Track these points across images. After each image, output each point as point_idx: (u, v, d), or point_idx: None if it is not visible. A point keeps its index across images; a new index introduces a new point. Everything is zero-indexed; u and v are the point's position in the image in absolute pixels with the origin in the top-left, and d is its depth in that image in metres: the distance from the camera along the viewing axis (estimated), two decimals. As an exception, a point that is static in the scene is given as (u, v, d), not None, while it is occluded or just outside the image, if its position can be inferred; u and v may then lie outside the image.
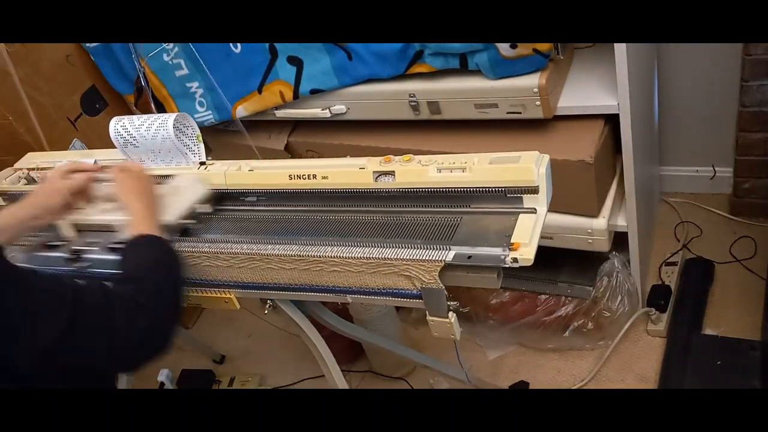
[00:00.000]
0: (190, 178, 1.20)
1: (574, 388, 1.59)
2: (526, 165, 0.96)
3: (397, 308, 1.69)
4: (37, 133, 1.62)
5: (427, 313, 0.98)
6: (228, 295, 1.09)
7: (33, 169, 1.42)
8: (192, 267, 1.09)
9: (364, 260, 0.98)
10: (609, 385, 1.57)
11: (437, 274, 0.93)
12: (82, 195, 1.16)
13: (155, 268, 0.95)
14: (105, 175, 1.16)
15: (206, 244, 1.09)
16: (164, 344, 0.91)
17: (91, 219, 1.17)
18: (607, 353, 1.61)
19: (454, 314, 0.96)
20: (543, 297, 1.61)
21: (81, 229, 1.20)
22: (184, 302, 1.04)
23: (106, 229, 1.15)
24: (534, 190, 0.96)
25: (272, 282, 1.05)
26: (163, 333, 0.92)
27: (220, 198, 1.21)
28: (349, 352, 1.78)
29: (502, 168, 0.98)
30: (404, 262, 0.95)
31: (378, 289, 0.99)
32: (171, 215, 1.11)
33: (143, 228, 1.01)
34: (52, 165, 1.37)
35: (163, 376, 1.64)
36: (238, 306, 1.11)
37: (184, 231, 1.16)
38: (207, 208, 1.19)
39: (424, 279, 0.94)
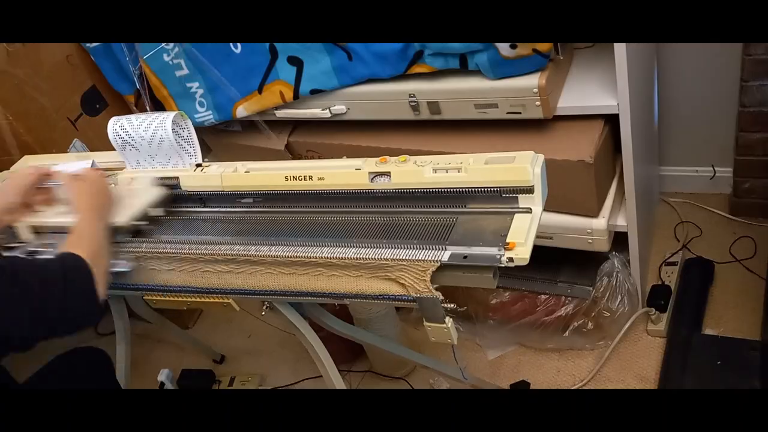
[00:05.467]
0: (147, 180, 1.24)
1: (574, 388, 1.59)
2: (522, 165, 0.96)
3: (397, 308, 1.69)
4: (37, 133, 1.62)
5: (423, 319, 0.97)
6: (227, 300, 1.09)
7: None
8: (191, 272, 1.09)
9: (361, 261, 0.98)
10: (609, 385, 1.57)
11: (430, 283, 0.92)
12: (42, 197, 1.19)
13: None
14: (60, 179, 1.18)
15: (204, 246, 1.09)
16: None
17: (45, 221, 1.20)
18: (607, 353, 1.60)
19: (451, 320, 0.96)
20: (543, 297, 1.61)
21: (39, 231, 1.22)
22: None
23: (62, 231, 1.14)
24: (529, 190, 0.96)
25: (271, 288, 1.05)
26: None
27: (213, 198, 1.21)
28: (349, 352, 1.78)
29: (497, 168, 0.98)
30: (400, 263, 0.95)
31: (375, 294, 0.98)
32: (122, 217, 1.16)
33: (84, 230, 1.03)
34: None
35: (163, 376, 1.63)
36: (238, 308, 1.10)
37: (137, 232, 1.19)
38: (160, 212, 1.21)
39: (418, 288, 0.93)
